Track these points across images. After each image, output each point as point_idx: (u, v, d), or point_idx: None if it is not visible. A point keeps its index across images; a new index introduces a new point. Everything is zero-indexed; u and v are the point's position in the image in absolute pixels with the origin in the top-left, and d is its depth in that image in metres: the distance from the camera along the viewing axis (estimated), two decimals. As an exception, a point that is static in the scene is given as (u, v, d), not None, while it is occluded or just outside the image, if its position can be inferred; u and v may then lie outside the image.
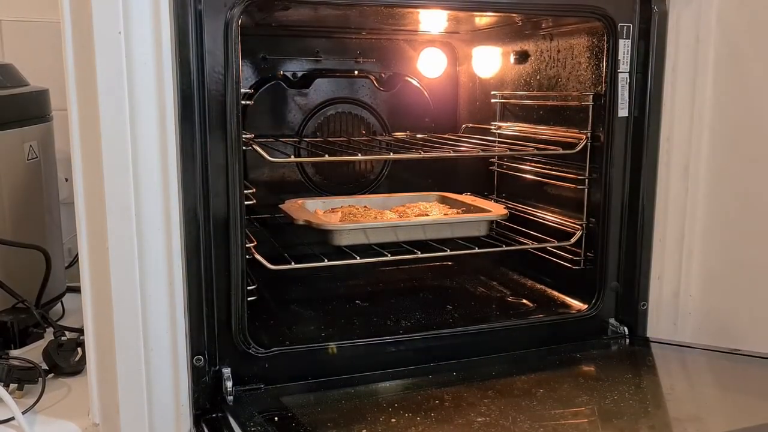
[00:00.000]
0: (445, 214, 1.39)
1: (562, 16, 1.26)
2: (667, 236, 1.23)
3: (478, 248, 1.32)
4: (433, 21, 1.47)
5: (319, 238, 1.27)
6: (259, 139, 1.30)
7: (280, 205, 1.40)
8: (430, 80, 1.71)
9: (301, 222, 1.26)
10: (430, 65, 1.69)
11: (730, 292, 1.21)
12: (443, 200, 1.52)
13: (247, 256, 1.06)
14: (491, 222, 1.37)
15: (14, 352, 1.20)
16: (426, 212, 1.39)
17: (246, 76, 1.55)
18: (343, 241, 1.24)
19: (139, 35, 0.90)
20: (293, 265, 1.17)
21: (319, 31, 1.59)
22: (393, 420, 0.94)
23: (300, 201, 1.43)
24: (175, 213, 0.95)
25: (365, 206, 1.43)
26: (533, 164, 1.47)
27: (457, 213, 1.41)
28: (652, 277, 1.25)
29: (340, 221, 1.31)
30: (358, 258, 1.22)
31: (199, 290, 0.98)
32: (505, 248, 1.38)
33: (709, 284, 1.23)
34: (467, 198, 1.50)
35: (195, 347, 0.99)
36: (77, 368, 1.15)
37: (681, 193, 1.22)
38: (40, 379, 1.08)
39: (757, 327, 1.18)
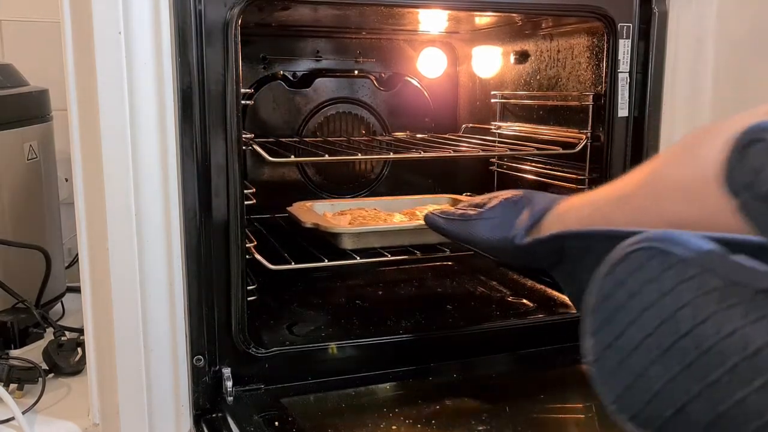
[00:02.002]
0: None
1: (562, 15, 1.26)
2: (667, 236, 1.23)
3: (479, 248, 1.32)
4: (433, 21, 1.47)
5: (320, 239, 1.27)
6: (259, 139, 1.30)
7: (287, 208, 1.39)
8: (430, 80, 1.71)
9: (309, 225, 1.25)
10: (430, 65, 1.69)
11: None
12: (455, 203, 1.51)
13: (247, 256, 1.06)
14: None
15: (14, 352, 1.20)
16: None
17: (246, 75, 1.55)
18: (353, 244, 1.23)
19: (139, 35, 0.90)
20: (293, 265, 1.17)
21: (319, 31, 1.59)
22: (393, 420, 0.94)
23: (308, 203, 1.41)
24: (175, 213, 0.95)
25: (375, 209, 1.43)
26: (533, 164, 1.47)
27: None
28: (652, 277, 1.24)
29: (349, 224, 1.30)
30: (358, 258, 1.22)
31: (199, 290, 0.98)
32: (505, 248, 1.38)
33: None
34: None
35: (195, 347, 0.99)
36: (77, 368, 1.15)
37: (681, 193, 1.22)
38: (40, 379, 1.08)
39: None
